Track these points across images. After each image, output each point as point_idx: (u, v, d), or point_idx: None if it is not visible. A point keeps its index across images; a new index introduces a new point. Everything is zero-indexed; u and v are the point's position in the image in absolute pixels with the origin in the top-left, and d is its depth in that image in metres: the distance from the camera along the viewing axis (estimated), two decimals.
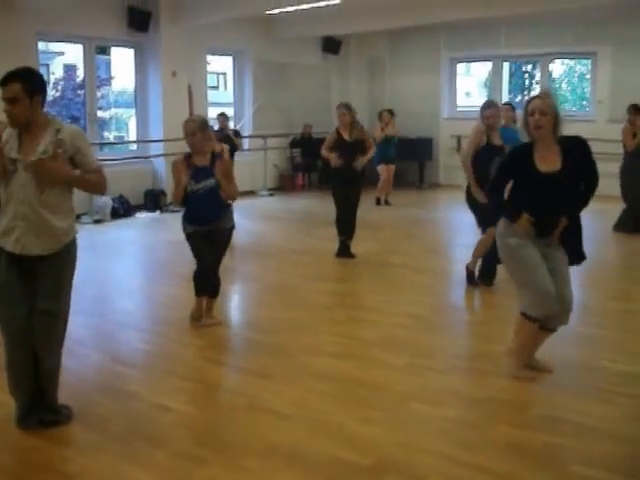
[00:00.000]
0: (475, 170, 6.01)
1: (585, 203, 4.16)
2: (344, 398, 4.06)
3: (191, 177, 5.02)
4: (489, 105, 6.20)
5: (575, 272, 5.67)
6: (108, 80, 14.12)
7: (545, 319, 4.19)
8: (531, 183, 4.06)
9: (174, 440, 3.51)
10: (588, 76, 13.86)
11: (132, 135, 12.40)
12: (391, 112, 11.51)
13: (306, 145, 13.58)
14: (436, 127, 13.86)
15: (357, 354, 4.74)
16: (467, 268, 6.39)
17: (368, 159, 7.53)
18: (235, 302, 6.36)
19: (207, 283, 5.18)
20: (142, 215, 10.81)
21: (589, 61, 13.42)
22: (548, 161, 3.99)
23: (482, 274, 6.35)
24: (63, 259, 3.52)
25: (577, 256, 4.23)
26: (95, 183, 3.58)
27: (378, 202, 11.54)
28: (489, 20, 12.36)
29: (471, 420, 3.73)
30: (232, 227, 5.29)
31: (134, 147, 12.04)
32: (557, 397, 4.05)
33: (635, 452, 3.42)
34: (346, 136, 7.38)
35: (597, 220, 7.15)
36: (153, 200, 11.04)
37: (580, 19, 12.23)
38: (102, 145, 12.06)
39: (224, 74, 18.03)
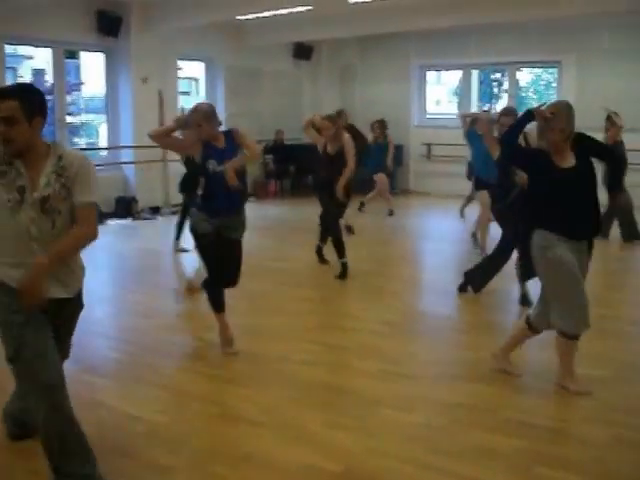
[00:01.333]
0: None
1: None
2: (316, 405, 4.09)
3: (211, 156, 4.63)
4: (507, 112, 6.21)
5: None
6: (78, 85, 14.00)
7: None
8: (554, 180, 4.06)
9: (144, 449, 3.50)
10: (554, 84, 14.07)
11: (103, 141, 12.31)
12: (382, 123, 11.17)
13: (279, 151, 13.59)
14: (406, 134, 13.97)
15: (329, 361, 4.78)
16: (473, 235, 6.54)
17: (345, 180, 7.03)
18: (208, 309, 6.33)
19: (222, 295, 4.94)
20: (113, 222, 10.74)
21: (555, 70, 13.63)
22: (564, 160, 4.06)
23: (473, 280, 6.38)
24: (78, 299, 3.29)
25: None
26: (78, 241, 3.04)
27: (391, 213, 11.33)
28: (459, 28, 12.50)
29: (441, 425, 3.78)
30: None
31: (105, 154, 11.95)
32: (525, 401, 4.12)
33: (600, 454, 3.49)
34: (329, 148, 7.16)
35: None
36: (124, 207, 10.97)
37: (546, 29, 12.43)
38: None
39: (196, 80, 18.00)
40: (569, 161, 4.06)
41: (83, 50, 11.84)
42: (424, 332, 5.52)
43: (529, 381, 4.47)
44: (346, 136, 7.16)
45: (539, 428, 3.75)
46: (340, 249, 7.04)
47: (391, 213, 11.29)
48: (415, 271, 7.71)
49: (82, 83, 14.04)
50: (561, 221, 4.04)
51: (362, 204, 11.24)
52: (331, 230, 7.22)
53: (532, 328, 4.33)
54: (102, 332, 5.49)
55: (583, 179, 4.06)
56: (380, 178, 10.96)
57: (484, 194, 7.39)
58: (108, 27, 10.71)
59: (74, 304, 3.23)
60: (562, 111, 4.02)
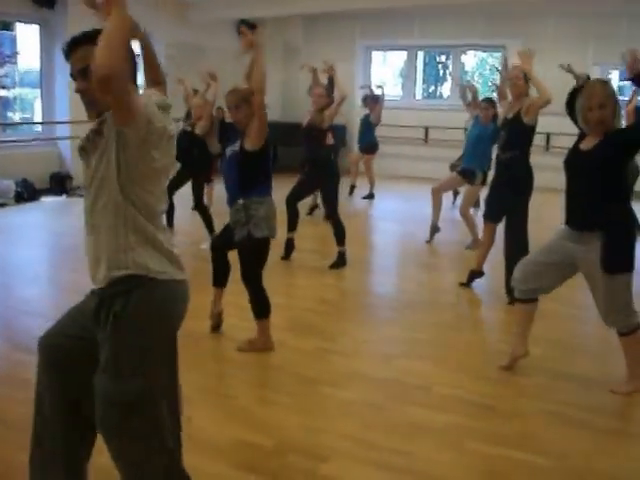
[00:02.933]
0: None
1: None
2: (250, 382, 4.06)
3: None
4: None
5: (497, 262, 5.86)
6: (12, 57, 13.53)
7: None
8: (565, 162, 3.93)
9: None
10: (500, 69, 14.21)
11: (37, 116, 11.93)
12: (374, 97, 11.08)
13: (221, 130, 13.41)
14: (350, 115, 13.94)
15: None
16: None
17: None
18: None
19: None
20: (48, 199, 10.45)
21: (500, 54, 13.78)
22: (589, 142, 3.81)
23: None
24: None
25: (606, 261, 3.73)
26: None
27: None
28: (404, 9, 12.52)
29: (376, 401, 3.80)
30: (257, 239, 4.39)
31: (39, 128, 11.59)
32: (459, 378, 4.16)
33: (526, 428, 3.56)
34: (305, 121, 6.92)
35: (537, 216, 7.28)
36: (59, 184, 10.68)
37: (492, 13, 12.56)
38: (5, 126, 11.57)
39: (138, 56, 17.53)
40: (591, 144, 3.78)
41: (18, 21, 11.43)
42: (362, 310, 5.53)
43: (465, 359, 4.52)
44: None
45: (472, 404, 3.80)
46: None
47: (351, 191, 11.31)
48: (360, 251, 7.72)
49: (17, 53, 13.57)
50: (565, 206, 3.92)
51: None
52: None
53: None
54: (36, 311, 5.33)
55: (593, 164, 3.73)
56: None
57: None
58: None
59: None
60: (598, 87, 3.75)
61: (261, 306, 4.47)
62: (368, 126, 10.98)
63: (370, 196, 11.26)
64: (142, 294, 2.31)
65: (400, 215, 10.09)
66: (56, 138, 10.98)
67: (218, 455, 3.20)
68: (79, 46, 2.27)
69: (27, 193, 10.20)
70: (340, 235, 6.75)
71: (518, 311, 4.25)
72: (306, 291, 5.98)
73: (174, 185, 7.19)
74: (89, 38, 2.23)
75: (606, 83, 3.85)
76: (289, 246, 6.96)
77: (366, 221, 10.10)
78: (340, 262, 6.72)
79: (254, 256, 4.43)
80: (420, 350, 4.63)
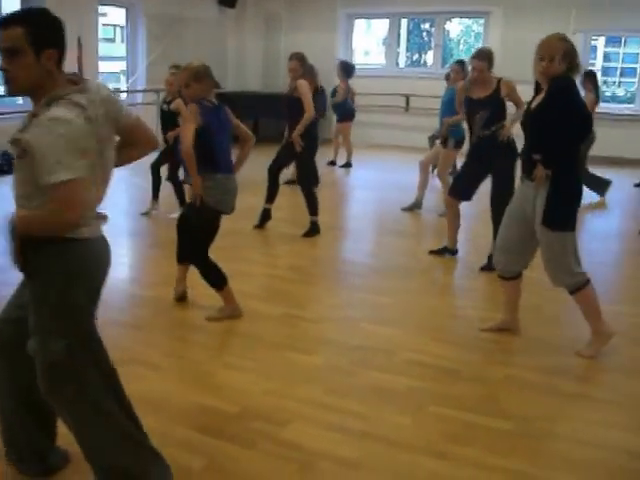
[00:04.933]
0: None
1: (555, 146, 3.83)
2: (217, 348, 4.11)
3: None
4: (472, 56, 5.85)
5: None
6: None
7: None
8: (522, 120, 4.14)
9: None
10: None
11: None
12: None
13: None
14: (331, 84, 13.83)
15: None
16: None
17: (302, 127, 6.49)
18: (119, 257, 6.24)
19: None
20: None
21: (483, 21, 13.70)
22: (537, 100, 3.98)
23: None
24: None
25: (545, 215, 3.89)
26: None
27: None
28: None
29: (340, 367, 3.84)
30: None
31: (21, 101, 11.46)
32: (423, 343, 4.21)
33: (489, 392, 3.61)
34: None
35: None
36: None
37: None
38: None
39: (122, 27, 17.39)
40: (536, 102, 3.97)
41: None
42: (331, 277, 5.56)
43: (432, 325, 4.57)
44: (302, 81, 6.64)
45: (437, 369, 3.85)
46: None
47: (332, 163, 11.33)
48: (334, 219, 7.75)
49: None
50: None
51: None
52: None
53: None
54: (13, 282, 5.34)
55: (534, 122, 3.95)
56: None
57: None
58: None
59: None
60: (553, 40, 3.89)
61: (214, 278, 4.49)
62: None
63: (347, 165, 11.29)
64: (55, 252, 2.33)
65: (378, 183, 10.10)
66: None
67: (182, 419, 3.24)
68: (9, 26, 2.25)
69: (7, 166, 10.13)
70: (312, 206, 6.75)
71: (505, 286, 4.36)
72: (278, 259, 6.02)
73: (159, 162, 7.26)
74: (19, 20, 2.27)
75: (564, 39, 3.88)
76: (265, 216, 6.96)
77: (343, 189, 10.12)
78: (313, 231, 6.73)
79: (200, 230, 4.44)
80: (387, 315, 4.67)
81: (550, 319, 4.72)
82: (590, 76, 8.73)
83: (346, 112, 11.11)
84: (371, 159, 12.25)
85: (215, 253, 5.86)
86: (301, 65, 6.68)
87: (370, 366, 3.85)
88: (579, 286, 4.01)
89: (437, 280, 5.62)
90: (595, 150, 10.32)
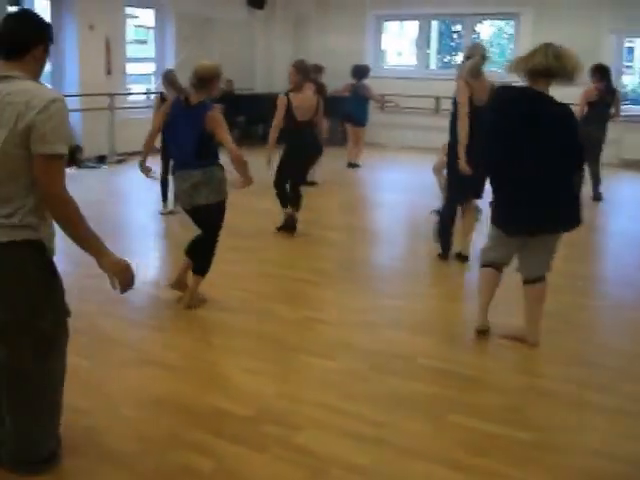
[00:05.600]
0: None
1: None
2: (235, 351, 4.07)
3: None
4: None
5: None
6: None
7: None
8: None
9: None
10: None
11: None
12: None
13: (228, 101, 13.32)
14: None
15: (254, 309, 4.74)
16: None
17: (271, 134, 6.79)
18: (140, 258, 6.27)
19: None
20: None
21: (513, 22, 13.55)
22: None
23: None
24: None
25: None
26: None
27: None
28: None
29: (357, 372, 3.79)
30: None
31: None
32: (445, 350, 4.14)
33: (510, 402, 3.53)
34: None
35: None
36: (69, 155, 10.57)
37: None
38: None
39: (154, 29, 17.52)
40: None
41: None
42: (354, 281, 5.49)
43: (454, 331, 4.50)
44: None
45: (457, 376, 3.77)
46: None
47: (351, 165, 11.18)
48: (362, 221, 7.71)
49: None
50: None
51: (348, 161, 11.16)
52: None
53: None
54: None
55: None
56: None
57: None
58: None
59: None
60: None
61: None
62: (360, 99, 10.84)
63: (351, 165, 11.15)
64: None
65: (407, 185, 10.02)
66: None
67: (195, 421, 3.22)
68: None
69: None
70: (296, 202, 6.83)
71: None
72: (300, 261, 5.98)
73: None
74: None
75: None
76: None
77: (372, 191, 10.05)
78: (289, 225, 6.76)
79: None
80: (409, 321, 4.61)
81: (577, 327, 4.61)
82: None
83: (350, 116, 10.92)
84: (402, 161, 12.20)
85: (238, 254, 5.89)
86: (297, 72, 6.67)
87: (388, 372, 3.80)
88: (480, 265, 4.30)
89: (461, 284, 5.54)
90: (632, 153, 10.11)
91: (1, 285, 2.56)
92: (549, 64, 3.81)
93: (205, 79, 4.51)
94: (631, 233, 7.27)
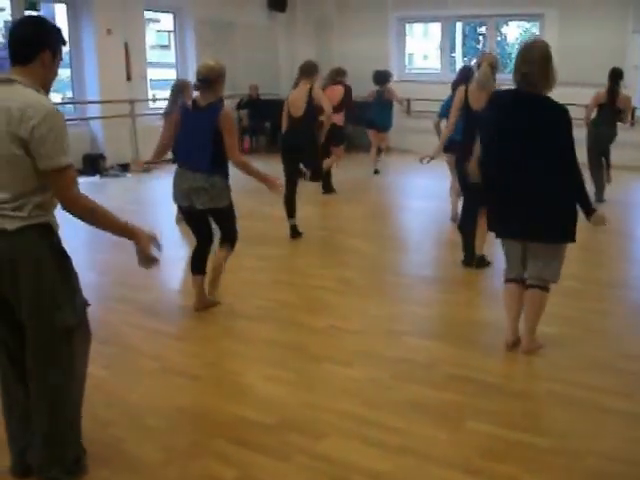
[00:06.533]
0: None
1: None
2: (258, 359, 4.11)
3: None
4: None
5: None
6: None
7: None
8: None
9: (85, 403, 3.51)
10: None
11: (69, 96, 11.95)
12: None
13: (253, 107, 13.39)
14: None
15: (278, 317, 4.78)
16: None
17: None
18: (161, 266, 6.32)
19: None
20: (81, 180, 10.52)
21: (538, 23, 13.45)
22: None
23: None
24: None
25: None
26: None
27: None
28: None
29: (380, 380, 3.81)
30: None
31: (71, 109, 11.66)
32: (469, 357, 4.14)
33: (530, 408, 3.55)
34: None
35: None
36: (92, 164, 10.76)
37: None
38: None
39: (173, 33, 17.62)
40: None
41: (44, 1, 11.52)
42: (378, 289, 5.51)
43: (476, 337, 4.49)
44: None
45: (478, 383, 3.77)
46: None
47: (376, 171, 11.16)
48: (384, 229, 7.70)
49: None
50: None
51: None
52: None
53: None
54: None
55: None
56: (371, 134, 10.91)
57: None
58: None
59: None
60: None
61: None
62: (383, 104, 10.75)
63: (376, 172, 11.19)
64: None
65: (430, 191, 9.96)
66: (88, 118, 11.05)
67: (218, 430, 3.27)
68: None
69: None
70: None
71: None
72: (324, 270, 5.99)
73: None
74: None
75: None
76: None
77: (397, 198, 10.02)
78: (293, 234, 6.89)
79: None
80: (430, 327, 4.63)
81: (596, 333, 4.57)
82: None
83: (373, 121, 10.85)
84: (427, 166, 12.08)
85: (260, 262, 5.92)
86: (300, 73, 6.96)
87: (410, 380, 3.81)
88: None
89: (483, 291, 5.50)
90: None
91: (20, 269, 2.59)
92: (520, 70, 3.81)
93: (210, 79, 4.47)
94: None
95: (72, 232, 7.35)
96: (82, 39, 10.95)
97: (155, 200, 9.58)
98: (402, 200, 9.81)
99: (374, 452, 3.07)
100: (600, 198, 8.83)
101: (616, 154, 9.14)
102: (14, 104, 2.46)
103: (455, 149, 6.22)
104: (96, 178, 10.60)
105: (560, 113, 3.78)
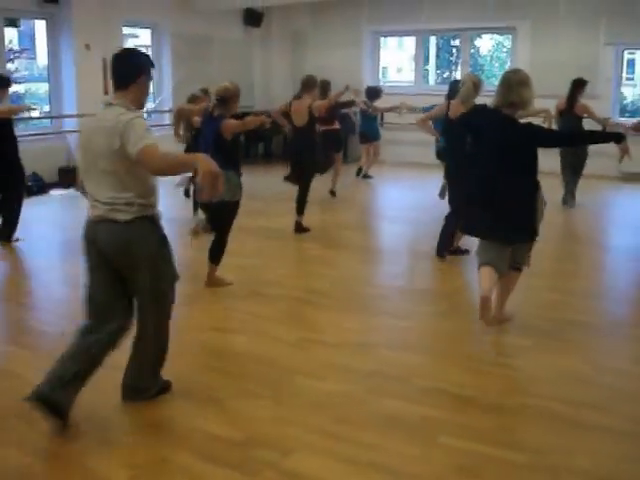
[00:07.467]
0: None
1: None
2: (230, 373, 4.05)
3: None
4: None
5: None
6: (22, 53, 13.62)
7: None
8: None
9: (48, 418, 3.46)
10: None
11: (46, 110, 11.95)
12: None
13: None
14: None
15: (249, 329, 4.72)
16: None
17: None
18: None
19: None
20: (57, 193, 10.52)
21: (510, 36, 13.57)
22: None
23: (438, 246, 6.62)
24: None
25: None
26: None
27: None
28: None
29: (352, 394, 3.76)
30: None
31: (47, 122, 11.64)
32: (441, 370, 4.11)
33: (505, 422, 3.50)
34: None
35: None
36: (68, 177, 10.70)
37: None
38: (16, 120, 11.61)
39: (150, 48, 17.59)
40: None
41: (24, 17, 11.50)
42: (351, 300, 5.45)
43: (450, 350, 4.46)
44: None
45: (453, 397, 3.74)
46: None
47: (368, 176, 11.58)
48: (364, 239, 7.68)
49: (26, 49, 13.67)
50: None
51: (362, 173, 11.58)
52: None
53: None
54: (30, 303, 5.39)
55: None
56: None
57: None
58: None
59: None
60: None
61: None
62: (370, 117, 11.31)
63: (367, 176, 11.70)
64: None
65: (407, 202, 10.00)
66: (64, 131, 11.02)
67: (186, 445, 3.20)
68: None
69: (37, 187, 10.30)
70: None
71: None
72: (297, 280, 5.95)
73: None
74: None
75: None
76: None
77: (372, 208, 10.02)
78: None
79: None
80: (406, 340, 4.58)
81: (573, 345, 4.54)
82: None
83: (364, 133, 11.57)
84: (400, 177, 12.17)
85: (235, 274, 5.87)
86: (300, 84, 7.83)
87: (383, 393, 3.76)
88: None
89: (459, 302, 5.47)
90: (631, 166, 10.11)
91: (132, 252, 3.33)
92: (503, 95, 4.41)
93: (224, 98, 5.49)
94: (629, 248, 7.19)
95: (49, 246, 7.37)
96: (61, 54, 10.97)
97: None
98: (376, 210, 9.82)
99: (343, 468, 3.01)
100: (571, 204, 8.99)
101: (589, 163, 9.27)
102: (109, 123, 3.18)
103: (445, 157, 6.95)
104: (71, 191, 10.51)
105: (526, 129, 4.38)
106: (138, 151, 3.09)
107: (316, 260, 6.66)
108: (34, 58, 13.93)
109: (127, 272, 3.39)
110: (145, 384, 3.64)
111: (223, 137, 5.42)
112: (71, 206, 9.77)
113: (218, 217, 5.50)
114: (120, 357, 3.60)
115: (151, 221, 3.39)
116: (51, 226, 8.55)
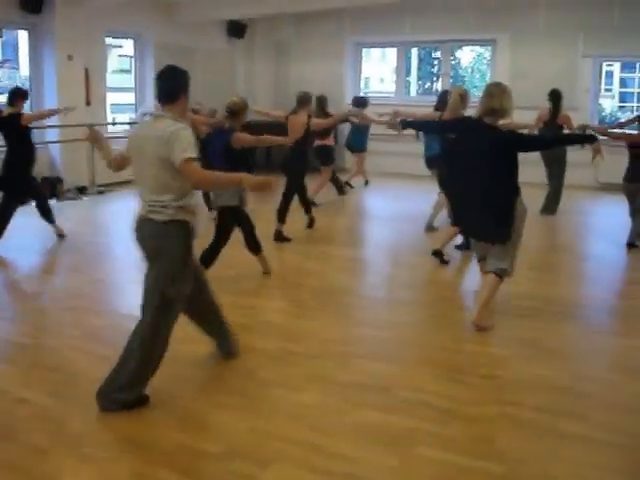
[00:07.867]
0: None
1: None
2: (207, 385, 4.04)
3: None
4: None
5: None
6: (4, 63, 13.57)
7: None
8: None
9: (24, 432, 3.41)
10: None
11: None
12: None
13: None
14: (340, 112, 13.80)
15: None
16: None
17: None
18: (115, 291, 6.22)
19: None
20: None
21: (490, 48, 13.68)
22: None
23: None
24: None
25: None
26: None
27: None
28: (394, 6, 12.45)
29: (330, 404, 3.75)
30: None
31: (55, 131, 11.52)
32: (420, 380, 4.10)
33: (484, 432, 3.50)
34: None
35: None
36: (49, 187, 10.63)
37: (482, 7, 12.49)
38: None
39: (133, 59, 17.57)
40: None
41: (6, 28, 11.46)
42: (331, 310, 5.45)
43: (431, 360, 4.46)
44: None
45: (431, 407, 3.73)
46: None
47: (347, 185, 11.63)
48: (344, 249, 7.68)
49: (9, 60, 13.62)
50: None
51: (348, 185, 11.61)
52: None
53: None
54: (6, 317, 5.34)
55: None
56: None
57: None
58: (32, 3, 10.29)
59: None
60: None
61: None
62: (357, 127, 11.28)
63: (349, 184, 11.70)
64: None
65: (389, 213, 10.03)
66: (46, 142, 10.95)
67: (162, 459, 3.17)
68: None
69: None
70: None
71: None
72: (276, 291, 5.94)
73: None
74: None
75: None
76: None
77: (354, 219, 10.03)
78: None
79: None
80: (385, 351, 4.58)
81: (550, 354, 4.57)
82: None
83: (349, 144, 11.75)
84: (383, 187, 12.20)
85: (213, 284, 5.82)
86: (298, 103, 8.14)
87: (362, 404, 3.76)
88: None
89: (441, 313, 5.47)
90: (609, 177, 10.25)
91: (157, 249, 3.61)
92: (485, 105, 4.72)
93: (234, 111, 5.99)
94: (607, 257, 7.25)
95: (27, 257, 7.32)
96: (43, 65, 10.90)
97: (109, 222, 9.59)
98: (357, 221, 9.83)
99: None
100: (552, 211, 9.09)
101: (568, 173, 9.38)
102: (159, 133, 3.48)
103: (437, 165, 7.33)
104: (53, 201, 10.45)
105: (506, 135, 4.77)
106: (181, 162, 3.41)
107: (296, 270, 6.65)
108: (17, 68, 13.87)
109: (148, 267, 3.70)
110: (119, 394, 3.64)
111: (232, 148, 5.88)
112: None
113: (222, 222, 5.92)
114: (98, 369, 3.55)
115: (185, 227, 3.62)
116: (31, 237, 8.48)
